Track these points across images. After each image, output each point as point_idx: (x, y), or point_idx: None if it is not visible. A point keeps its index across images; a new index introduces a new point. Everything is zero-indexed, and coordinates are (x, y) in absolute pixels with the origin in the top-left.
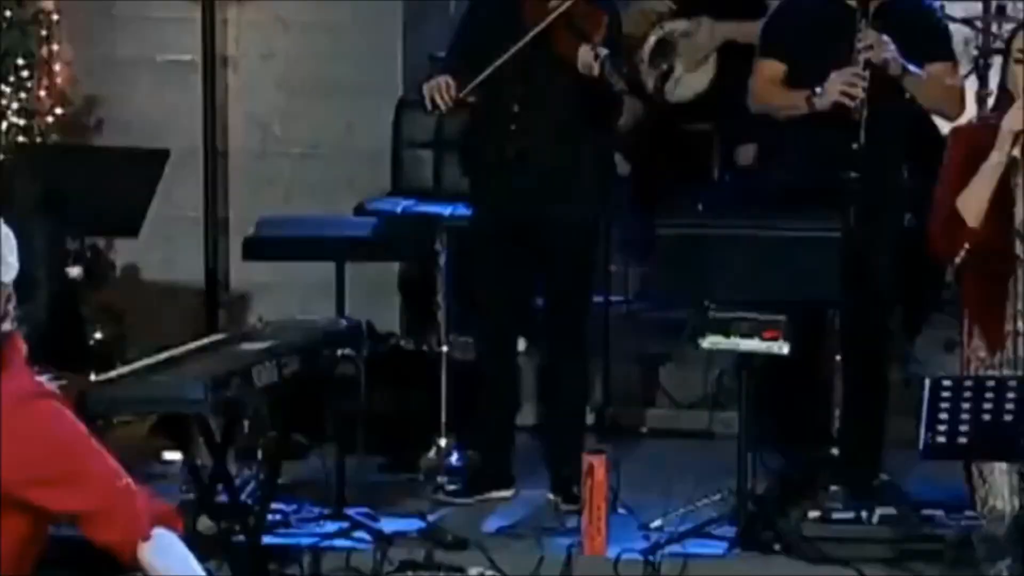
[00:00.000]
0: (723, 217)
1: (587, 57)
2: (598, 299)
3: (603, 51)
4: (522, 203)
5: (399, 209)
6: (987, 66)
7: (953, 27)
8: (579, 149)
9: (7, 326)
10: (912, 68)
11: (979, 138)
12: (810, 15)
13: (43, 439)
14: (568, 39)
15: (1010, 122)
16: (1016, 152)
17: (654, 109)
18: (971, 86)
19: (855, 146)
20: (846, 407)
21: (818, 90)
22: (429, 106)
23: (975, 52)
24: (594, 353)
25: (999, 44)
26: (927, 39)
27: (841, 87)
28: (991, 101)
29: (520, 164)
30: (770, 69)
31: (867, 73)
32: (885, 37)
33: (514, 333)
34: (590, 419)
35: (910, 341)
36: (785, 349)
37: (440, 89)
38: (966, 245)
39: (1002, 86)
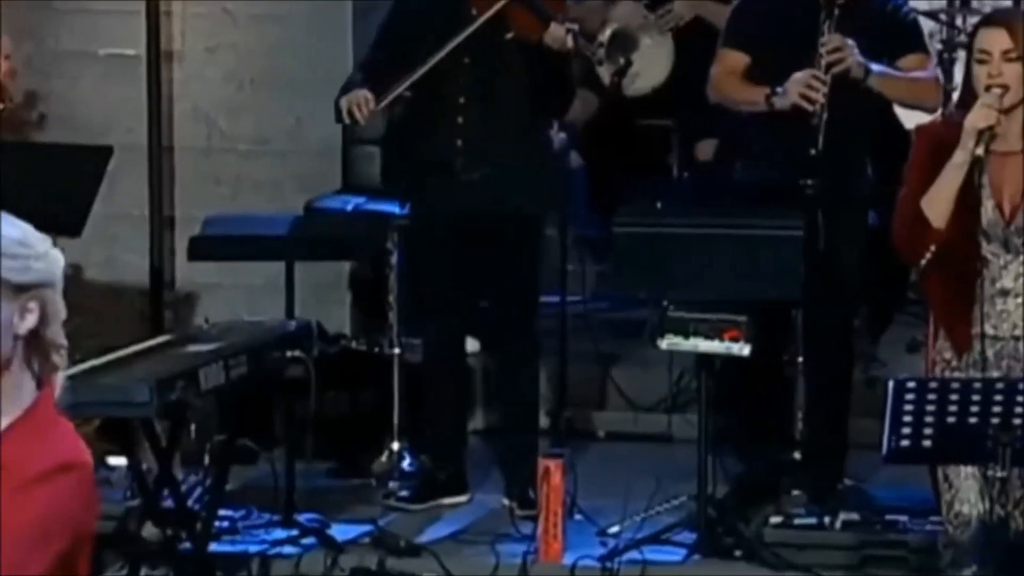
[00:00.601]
0: (682, 215)
1: (559, 32)
2: (554, 299)
3: (574, 26)
4: (470, 198)
5: (350, 207)
6: (952, 60)
7: None
8: (531, 140)
9: (28, 384)
10: (876, 68)
11: (943, 136)
12: (779, 8)
13: (35, 525)
14: (529, 19)
15: (973, 120)
16: (980, 151)
17: (610, 103)
18: None
19: (813, 152)
20: (809, 410)
21: (779, 89)
22: (346, 120)
23: (939, 46)
24: (550, 354)
25: (964, 38)
26: (897, 33)
27: (801, 90)
28: (956, 96)
29: (469, 158)
30: (733, 60)
31: (828, 77)
32: (850, 41)
33: (462, 333)
34: (545, 422)
35: (874, 342)
36: (746, 350)
37: (358, 103)
38: (932, 247)
39: (966, 82)
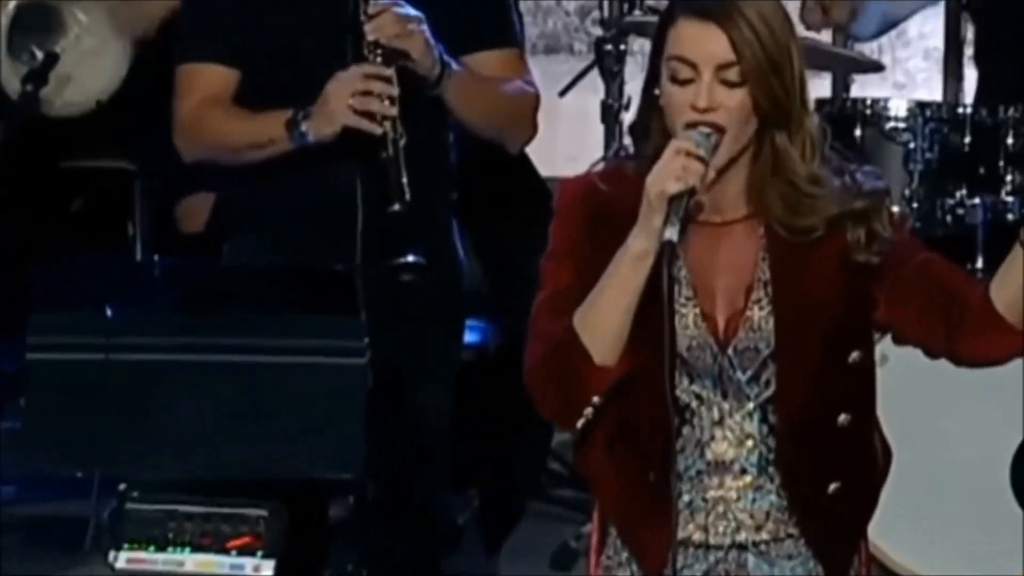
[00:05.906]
0: (152, 329)
1: None
2: None
3: None
4: None
5: None
6: (620, 56)
7: None
8: None
9: None
10: (457, 66)
11: (607, 200)
12: None
13: None
14: None
15: (660, 180)
16: (671, 233)
17: (21, 130)
18: (592, 91)
19: (396, 207)
20: None
21: (308, 110)
22: None
23: (600, 31)
24: None
25: (642, 15)
26: (471, 11)
27: (350, 101)
28: (629, 117)
29: None
30: (211, 80)
31: (391, 71)
32: (409, 8)
33: None
34: None
35: (492, 551)
36: (268, 569)
37: None
38: (595, 399)
39: (647, 101)
